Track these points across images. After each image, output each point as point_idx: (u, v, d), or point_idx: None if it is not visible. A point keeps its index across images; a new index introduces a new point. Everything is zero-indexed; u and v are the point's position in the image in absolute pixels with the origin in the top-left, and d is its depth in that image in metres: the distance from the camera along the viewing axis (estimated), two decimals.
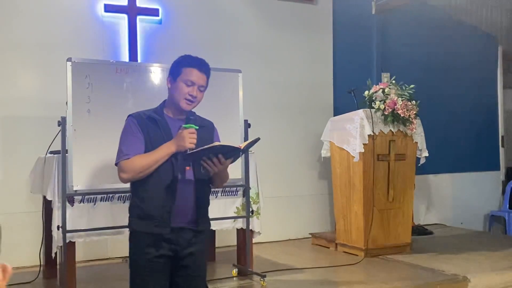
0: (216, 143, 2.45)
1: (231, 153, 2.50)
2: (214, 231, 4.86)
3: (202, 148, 2.44)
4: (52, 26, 5.23)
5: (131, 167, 2.50)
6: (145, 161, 2.49)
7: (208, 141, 2.61)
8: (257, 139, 2.66)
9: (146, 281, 2.53)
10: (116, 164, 2.57)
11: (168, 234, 2.51)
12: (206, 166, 2.48)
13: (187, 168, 2.55)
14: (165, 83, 2.76)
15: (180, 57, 2.69)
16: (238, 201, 4.53)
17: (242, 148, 2.51)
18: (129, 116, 2.63)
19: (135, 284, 2.60)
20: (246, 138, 4.44)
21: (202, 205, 2.63)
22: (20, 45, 5.11)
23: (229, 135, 3.97)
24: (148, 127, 2.56)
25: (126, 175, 2.53)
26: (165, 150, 2.49)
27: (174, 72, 2.63)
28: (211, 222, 4.27)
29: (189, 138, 2.47)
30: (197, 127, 2.53)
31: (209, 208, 4.28)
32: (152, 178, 2.52)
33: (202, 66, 2.63)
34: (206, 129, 2.70)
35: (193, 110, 2.69)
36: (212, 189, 4.24)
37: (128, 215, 2.66)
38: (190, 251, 2.57)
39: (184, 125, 2.54)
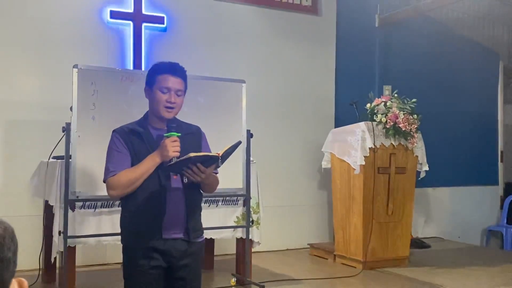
0: (191, 154, 2.39)
1: (210, 161, 2.46)
2: (213, 239, 4.87)
3: (177, 161, 2.41)
4: (58, 31, 5.26)
5: (118, 183, 2.48)
6: (132, 175, 2.46)
7: (195, 147, 2.58)
8: (238, 143, 2.59)
9: None
10: (104, 182, 2.55)
11: (161, 246, 2.49)
12: (187, 175, 2.46)
13: (175, 177, 2.51)
14: None
15: (153, 65, 2.66)
16: (239, 210, 4.55)
17: (220, 155, 2.44)
18: (112, 132, 2.60)
19: None
20: (248, 148, 4.47)
21: (193, 213, 2.58)
22: (25, 49, 5.15)
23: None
24: (132, 140, 2.53)
25: (115, 191, 2.51)
26: (150, 162, 2.47)
27: (149, 82, 2.61)
28: (211, 231, 4.35)
29: (172, 146, 2.44)
30: (179, 134, 2.50)
31: (209, 217, 4.29)
32: (140, 191, 2.49)
33: (175, 70, 2.58)
34: (192, 135, 2.66)
35: (177, 117, 2.64)
36: (213, 198, 4.32)
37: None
38: (184, 262, 2.54)
39: (165, 134, 2.50)
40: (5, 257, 1.01)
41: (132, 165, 2.50)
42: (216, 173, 2.67)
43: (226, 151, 2.48)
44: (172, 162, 2.43)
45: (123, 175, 2.47)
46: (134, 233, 2.53)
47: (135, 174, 2.46)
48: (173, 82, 2.56)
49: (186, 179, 2.49)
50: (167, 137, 2.47)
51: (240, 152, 4.38)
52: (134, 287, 2.54)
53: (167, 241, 2.50)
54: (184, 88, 2.61)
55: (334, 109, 6.65)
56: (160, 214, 2.48)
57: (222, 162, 2.51)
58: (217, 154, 2.45)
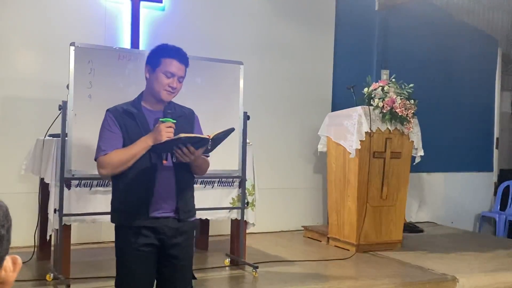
0: (182, 135, 2.42)
1: (200, 143, 2.47)
2: (208, 220, 4.90)
3: (167, 140, 2.43)
4: (55, 9, 5.21)
5: (109, 163, 2.51)
6: (123, 156, 2.49)
7: (188, 129, 2.61)
8: (231, 130, 2.62)
9: (133, 270, 2.55)
10: (95, 160, 2.58)
11: (151, 224, 2.51)
12: (177, 156, 2.47)
13: (164, 162, 2.53)
14: None
15: (157, 47, 2.64)
16: (234, 192, 4.57)
17: (211, 137, 2.47)
18: (106, 111, 2.62)
19: (122, 273, 2.61)
20: (245, 130, 4.47)
21: (183, 192, 2.60)
22: (22, 27, 5.10)
23: (228, 127, 3.98)
24: (125, 121, 2.55)
25: (105, 170, 2.54)
26: (142, 144, 2.49)
27: (153, 63, 2.59)
28: (206, 212, 4.38)
29: (165, 132, 2.46)
30: (175, 121, 2.52)
31: (205, 198, 4.29)
32: (130, 170, 2.52)
33: (181, 56, 2.59)
34: (185, 118, 2.68)
35: (173, 100, 2.67)
36: (209, 179, 4.33)
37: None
38: (176, 241, 2.57)
39: (161, 119, 2.52)
40: None
41: (124, 145, 2.52)
42: (208, 156, 2.68)
43: (217, 135, 2.51)
44: (154, 144, 2.46)
45: (114, 155, 2.50)
46: (123, 212, 2.56)
47: (126, 156, 2.49)
48: (177, 68, 2.57)
49: (175, 159, 2.50)
50: (162, 122, 2.50)
51: (236, 134, 4.38)
52: (127, 264, 2.57)
53: (158, 219, 2.53)
54: (185, 75, 2.63)
55: (332, 92, 6.63)
56: (149, 191, 2.51)
57: (213, 146, 2.54)
58: (207, 136, 2.47)
